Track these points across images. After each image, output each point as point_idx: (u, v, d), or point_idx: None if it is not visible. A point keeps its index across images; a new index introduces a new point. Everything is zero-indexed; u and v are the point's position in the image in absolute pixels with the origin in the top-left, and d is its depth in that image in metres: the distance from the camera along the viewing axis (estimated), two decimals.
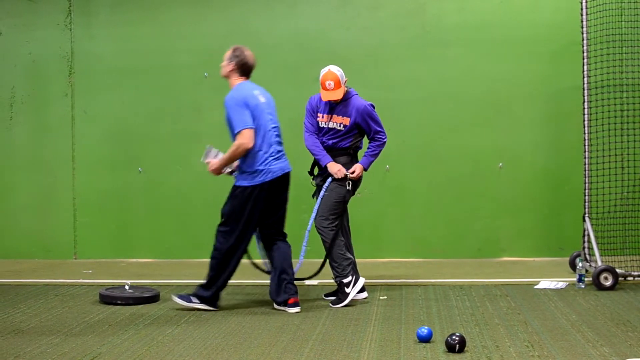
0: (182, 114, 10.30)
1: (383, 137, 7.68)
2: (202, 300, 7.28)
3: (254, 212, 7.23)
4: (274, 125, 7.37)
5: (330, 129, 7.64)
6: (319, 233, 7.62)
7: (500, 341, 5.95)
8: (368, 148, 7.72)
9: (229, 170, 7.46)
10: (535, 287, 7.99)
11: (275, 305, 7.30)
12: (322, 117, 7.67)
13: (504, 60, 9.88)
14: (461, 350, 5.64)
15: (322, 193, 7.61)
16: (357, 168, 7.61)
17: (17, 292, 8.25)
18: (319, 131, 7.72)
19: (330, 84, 7.47)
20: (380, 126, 7.65)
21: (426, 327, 5.97)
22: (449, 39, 9.96)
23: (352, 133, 7.63)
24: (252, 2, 10.31)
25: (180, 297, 7.33)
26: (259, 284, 8.39)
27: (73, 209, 10.56)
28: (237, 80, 7.38)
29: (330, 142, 7.65)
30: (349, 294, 7.40)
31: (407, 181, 10.00)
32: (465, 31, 9.92)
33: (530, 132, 9.88)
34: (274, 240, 7.49)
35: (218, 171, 7.41)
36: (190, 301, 7.29)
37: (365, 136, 7.73)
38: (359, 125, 7.60)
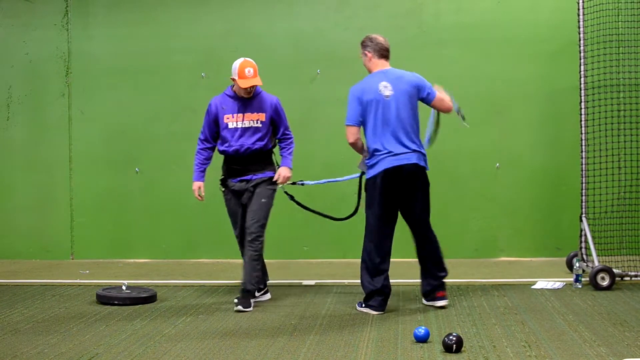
0: (180, 115, 10.30)
1: (291, 134, 7.61)
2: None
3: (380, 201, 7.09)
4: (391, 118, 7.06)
5: (246, 129, 7.37)
6: (256, 240, 7.38)
7: (498, 341, 5.95)
8: (282, 148, 7.58)
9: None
10: (533, 287, 8.00)
11: (424, 301, 7.29)
12: (232, 117, 7.38)
13: (501, 61, 9.89)
14: (458, 350, 5.64)
15: (260, 200, 7.39)
16: (287, 172, 7.49)
17: (14, 293, 8.25)
18: (230, 135, 7.36)
19: (250, 70, 7.27)
20: (287, 122, 7.59)
21: (423, 327, 5.97)
22: (447, 39, 9.97)
23: (270, 131, 7.45)
24: (250, 2, 10.32)
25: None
26: None
27: (70, 209, 10.56)
28: (376, 69, 7.23)
29: (252, 144, 7.35)
30: (256, 298, 7.45)
31: None
32: (462, 31, 9.93)
33: (528, 132, 9.89)
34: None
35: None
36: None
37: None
38: (273, 122, 7.47)
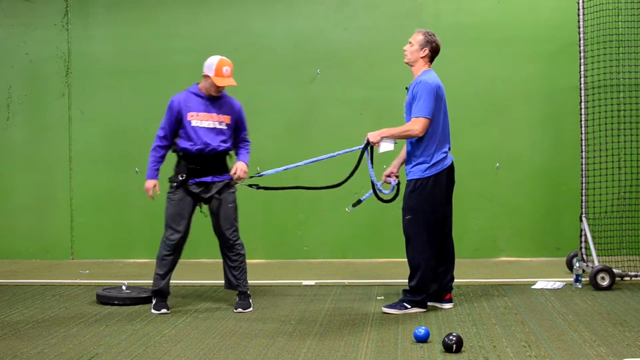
0: None
1: (249, 139, 7.53)
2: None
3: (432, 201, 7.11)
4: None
5: (211, 129, 7.21)
6: (236, 245, 7.39)
7: (498, 341, 5.95)
8: (240, 148, 7.46)
9: (391, 148, 7.16)
10: (533, 287, 8.00)
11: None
12: (197, 115, 7.19)
13: (501, 61, 9.89)
14: (458, 350, 5.64)
15: (227, 205, 7.32)
16: (244, 166, 7.37)
17: (14, 293, 8.25)
18: (194, 133, 7.17)
19: (227, 69, 7.15)
20: (247, 128, 7.51)
21: (423, 327, 5.97)
22: (447, 39, 9.86)
23: (232, 135, 7.36)
24: (250, 2, 10.31)
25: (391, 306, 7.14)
26: (255, 284, 8.38)
27: (70, 209, 10.56)
28: (425, 67, 7.18)
29: (217, 145, 7.21)
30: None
31: (405, 181, 9.98)
32: (462, 31, 9.93)
33: (528, 132, 9.89)
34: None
35: (377, 138, 7.10)
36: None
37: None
38: (236, 126, 7.37)
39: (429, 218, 7.07)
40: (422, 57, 7.16)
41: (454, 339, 5.66)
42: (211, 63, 7.18)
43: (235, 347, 5.94)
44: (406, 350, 5.77)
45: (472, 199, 9.93)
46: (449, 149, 7.22)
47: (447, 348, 5.65)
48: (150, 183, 7.41)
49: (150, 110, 10.38)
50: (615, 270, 7.87)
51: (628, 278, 8.04)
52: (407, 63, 7.27)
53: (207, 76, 7.21)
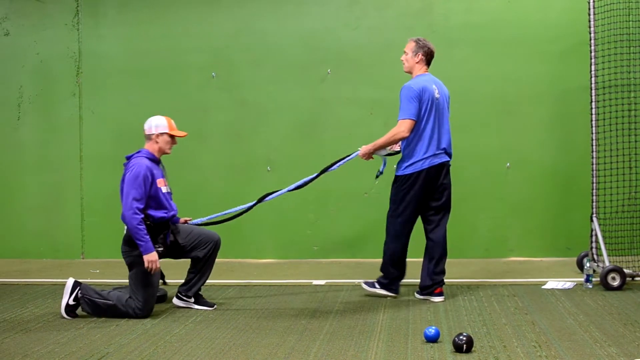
0: (190, 114, 10.29)
1: None
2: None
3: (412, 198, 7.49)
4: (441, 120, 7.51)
5: (168, 194, 7.21)
6: None
7: (508, 341, 5.95)
8: None
9: (384, 153, 7.65)
10: (543, 287, 7.99)
11: (417, 294, 7.62)
12: (162, 181, 7.14)
13: (511, 60, 9.87)
14: (469, 350, 5.64)
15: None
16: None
17: (24, 292, 8.28)
18: (166, 200, 7.14)
19: (172, 122, 7.32)
20: None
21: (434, 327, 5.97)
22: (456, 38, 9.95)
23: None
24: (259, 1, 10.32)
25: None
26: (266, 284, 8.39)
27: (81, 209, 10.59)
28: (420, 71, 7.57)
29: (175, 210, 7.27)
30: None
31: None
32: (472, 31, 9.92)
33: (538, 132, 9.87)
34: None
35: (368, 155, 7.61)
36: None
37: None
38: None
39: (402, 213, 7.52)
40: (417, 63, 7.57)
41: (465, 338, 5.65)
42: (160, 123, 7.22)
43: (246, 346, 5.94)
44: (416, 350, 5.76)
45: (483, 198, 9.92)
46: (444, 151, 7.50)
47: (458, 348, 5.65)
48: (155, 255, 6.99)
49: (161, 110, 10.33)
50: (626, 270, 7.85)
51: (639, 278, 8.02)
52: (406, 72, 7.68)
53: (160, 135, 7.18)
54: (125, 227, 7.18)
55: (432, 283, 7.49)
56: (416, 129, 7.35)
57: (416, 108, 7.30)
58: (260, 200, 8.00)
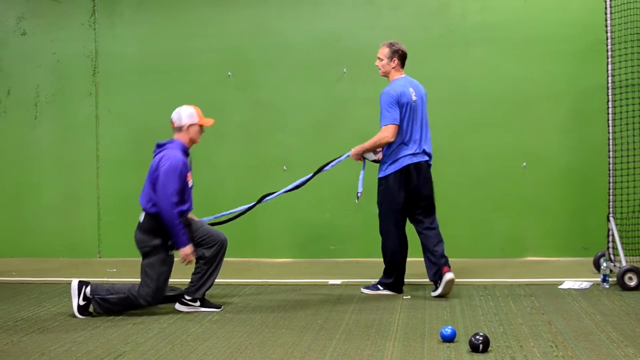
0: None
1: None
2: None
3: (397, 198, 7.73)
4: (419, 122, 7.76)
5: (191, 188, 7.24)
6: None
7: (524, 341, 5.93)
8: None
9: (372, 158, 7.91)
10: (560, 287, 7.97)
11: (432, 293, 7.70)
12: (190, 175, 7.18)
13: (527, 60, 9.84)
14: (485, 350, 5.63)
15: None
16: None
17: (41, 291, 8.31)
18: (188, 195, 7.16)
19: (199, 109, 7.39)
20: None
21: (450, 327, 5.96)
22: (473, 38, 9.93)
23: None
24: (276, 1, 10.33)
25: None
26: (282, 284, 8.40)
27: (97, 208, 10.62)
28: (396, 75, 7.81)
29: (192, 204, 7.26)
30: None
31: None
32: (488, 30, 9.89)
33: (555, 132, 9.84)
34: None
35: (357, 156, 7.88)
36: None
37: None
38: None
39: (390, 213, 7.77)
40: (393, 68, 7.81)
41: (481, 338, 5.64)
42: (189, 112, 7.32)
43: (262, 345, 5.95)
44: (432, 349, 5.76)
45: (499, 198, 9.90)
46: (424, 151, 7.75)
47: (474, 348, 5.64)
48: (190, 248, 7.07)
49: None
50: None
51: None
52: (383, 76, 7.89)
53: (190, 125, 7.28)
54: (141, 216, 7.15)
55: (437, 268, 7.59)
56: (397, 132, 7.59)
57: (397, 112, 7.57)
58: (260, 201, 8.21)
